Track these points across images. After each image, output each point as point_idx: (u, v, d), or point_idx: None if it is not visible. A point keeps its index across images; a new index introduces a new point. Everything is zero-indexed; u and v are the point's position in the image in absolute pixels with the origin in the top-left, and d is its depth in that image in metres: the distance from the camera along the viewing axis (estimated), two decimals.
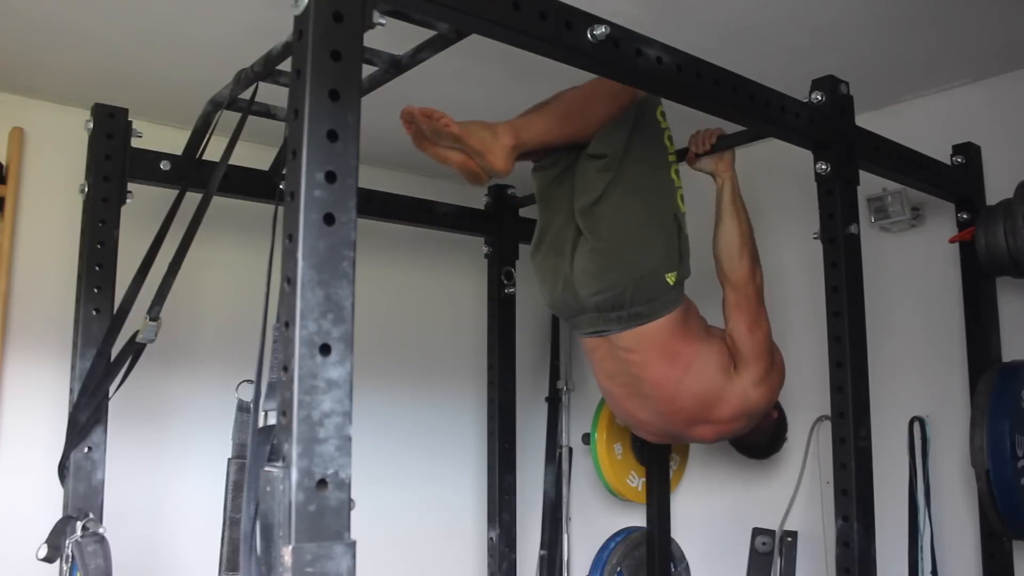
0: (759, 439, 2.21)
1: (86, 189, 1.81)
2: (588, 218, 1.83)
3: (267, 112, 1.79)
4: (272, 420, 1.00)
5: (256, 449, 1.02)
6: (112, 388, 1.68)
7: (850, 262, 1.69)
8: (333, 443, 0.93)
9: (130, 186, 1.87)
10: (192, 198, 1.62)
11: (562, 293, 1.91)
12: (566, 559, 2.93)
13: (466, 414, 3.03)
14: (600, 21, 1.33)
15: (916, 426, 2.19)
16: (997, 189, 2.08)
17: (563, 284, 1.90)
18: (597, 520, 2.94)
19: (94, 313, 1.75)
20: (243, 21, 1.89)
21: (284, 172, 1.04)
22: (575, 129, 1.76)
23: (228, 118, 1.69)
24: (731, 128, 1.95)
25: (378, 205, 2.35)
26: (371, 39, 1.11)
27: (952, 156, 2.13)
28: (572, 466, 3.02)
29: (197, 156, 1.86)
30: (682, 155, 2.13)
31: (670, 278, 1.84)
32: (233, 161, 1.60)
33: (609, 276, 1.83)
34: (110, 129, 1.83)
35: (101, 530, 1.62)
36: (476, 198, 2.69)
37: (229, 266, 2.55)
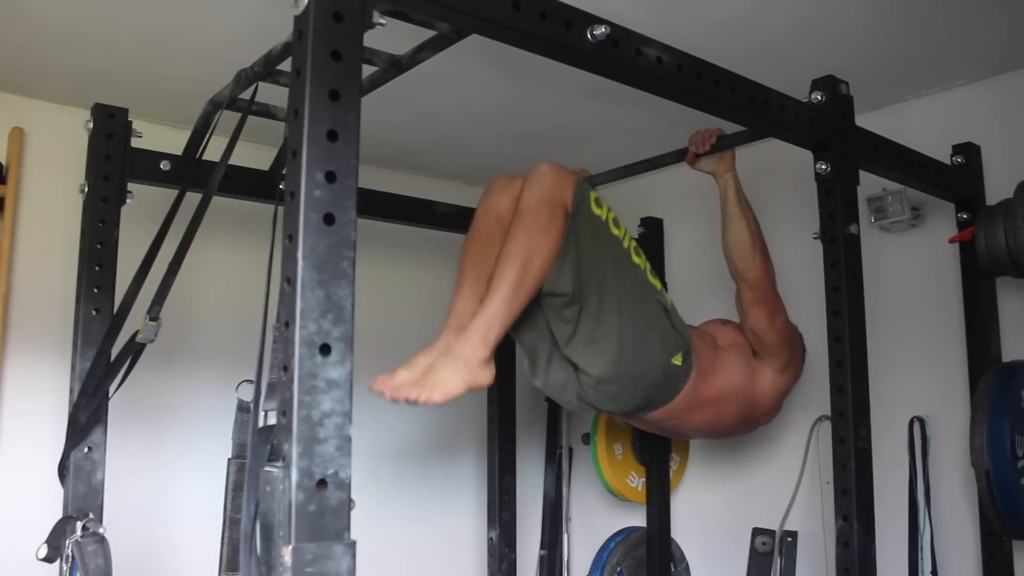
0: None
1: (86, 189, 1.81)
2: (577, 354, 1.77)
3: (267, 112, 1.78)
4: (272, 420, 1.00)
5: (256, 449, 1.02)
6: (112, 388, 1.68)
7: (850, 262, 1.69)
8: (333, 443, 0.93)
9: (130, 186, 1.86)
10: (192, 198, 1.62)
11: (579, 404, 1.89)
12: (566, 559, 2.93)
13: (466, 414, 3.03)
14: (600, 21, 1.33)
15: (916, 426, 2.19)
16: (997, 189, 2.07)
17: (578, 400, 1.87)
18: (597, 520, 2.94)
19: (94, 313, 1.75)
20: (243, 21, 1.89)
21: (284, 172, 1.04)
22: (529, 293, 1.63)
23: (228, 118, 1.68)
24: (731, 128, 1.95)
25: (378, 205, 2.35)
26: (371, 39, 1.11)
27: (952, 156, 2.13)
28: (572, 466, 3.02)
29: (197, 156, 1.85)
30: (682, 155, 2.13)
31: (677, 360, 1.83)
32: (233, 161, 1.60)
33: (624, 396, 1.82)
34: (110, 129, 1.83)
35: (101, 530, 1.62)
36: (476, 198, 2.68)
37: (229, 266, 2.55)
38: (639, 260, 1.82)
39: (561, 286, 1.69)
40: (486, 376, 1.56)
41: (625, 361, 1.76)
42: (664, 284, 2.83)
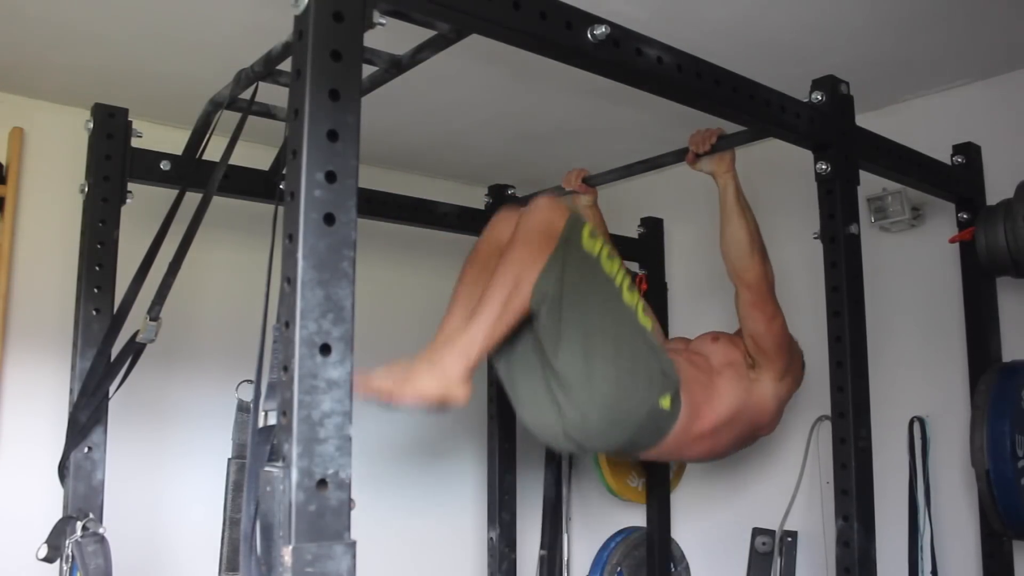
0: None
1: (86, 189, 1.81)
2: (561, 386, 1.73)
3: (267, 112, 1.78)
4: (272, 420, 1.00)
5: (256, 449, 1.02)
6: (112, 388, 1.68)
7: (850, 262, 1.69)
8: (333, 443, 0.93)
9: (130, 186, 1.86)
10: (192, 198, 1.62)
11: (566, 445, 1.87)
12: (566, 559, 2.93)
13: (466, 414, 3.03)
14: (600, 21, 1.33)
15: (916, 426, 2.19)
16: (997, 189, 2.07)
17: (564, 440, 1.83)
18: (597, 520, 2.94)
19: (94, 313, 1.75)
20: (243, 21, 1.89)
21: (284, 172, 1.04)
22: (517, 313, 1.66)
23: (228, 118, 1.69)
24: (731, 128, 1.95)
25: (378, 205, 2.35)
26: (371, 39, 1.11)
27: (952, 156, 2.13)
28: (572, 466, 3.02)
29: (197, 156, 1.86)
30: (682, 155, 2.13)
31: (664, 402, 1.79)
32: (233, 161, 1.60)
33: (610, 438, 1.80)
34: (110, 129, 1.83)
35: (101, 530, 1.62)
36: (476, 198, 2.69)
37: (229, 266, 2.55)
38: (631, 299, 1.80)
39: (541, 297, 1.69)
40: (461, 393, 1.56)
41: (609, 401, 1.73)
42: (665, 294, 2.85)
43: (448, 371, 1.54)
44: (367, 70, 1.32)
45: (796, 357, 2.07)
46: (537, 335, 1.74)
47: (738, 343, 2.02)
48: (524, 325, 1.75)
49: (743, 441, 2.05)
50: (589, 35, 1.32)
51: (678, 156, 2.14)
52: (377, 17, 1.09)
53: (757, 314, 1.95)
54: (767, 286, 1.97)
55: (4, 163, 2.24)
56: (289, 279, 0.96)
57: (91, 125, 1.83)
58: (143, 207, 1.89)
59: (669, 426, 1.83)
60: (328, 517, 0.91)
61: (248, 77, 1.58)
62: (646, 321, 1.81)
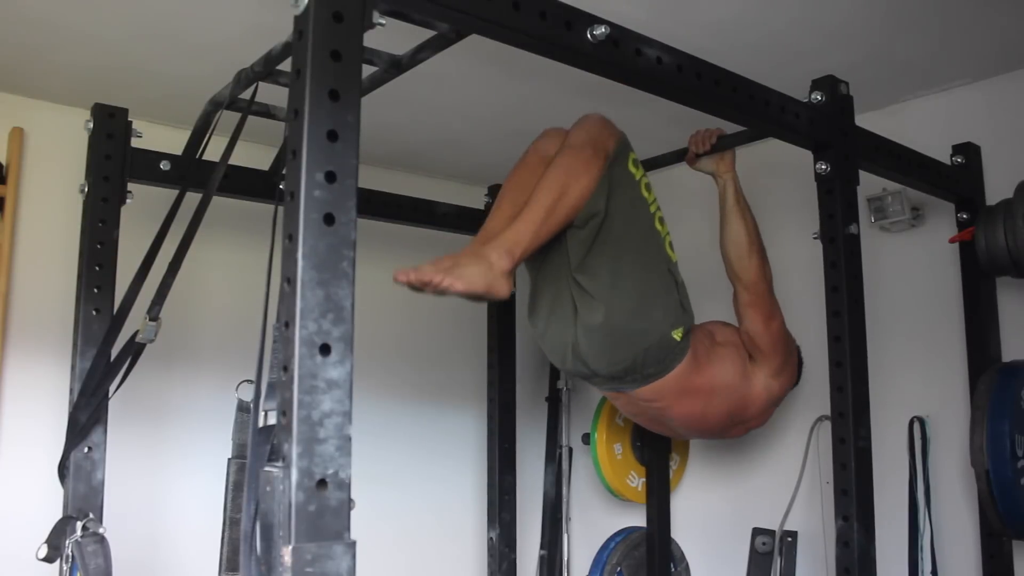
0: None
1: (86, 189, 1.81)
2: (582, 287, 1.79)
3: (267, 112, 1.78)
4: (272, 420, 1.00)
5: (256, 449, 1.02)
6: (112, 388, 1.68)
7: (850, 262, 1.69)
8: (333, 443, 0.93)
9: (130, 186, 1.87)
10: (192, 198, 1.62)
11: (572, 364, 1.89)
12: (566, 559, 2.93)
13: (466, 414, 3.03)
14: (600, 21, 1.33)
15: (916, 426, 2.19)
16: (997, 189, 2.07)
17: (572, 356, 1.87)
18: (597, 520, 2.94)
19: (94, 313, 1.75)
20: (243, 21, 1.89)
21: (284, 172, 1.04)
22: (561, 220, 1.71)
23: (228, 118, 1.69)
24: (731, 128, 1.95)
25: (378, 205, 2.36)
26: (371, 39, 1.11)
27: (952, 156, 2.13)
28: (572, 466, 3.02)
29: (197, 156, 1.86)
30: (682, 155, 2.13)
31: (676, 334, 1.83)
32: (233, 161, 1.60)
33: (618, 353, 1.81)
34: (110, 129, 1.83)
35: (101, 530, 1.62)
36: (476, 198, 2.69)
37: (229, 266, 2.55)
38: (661, 228, 1.86)
39: (588, 213, 1.74)
40: (504, 287, 1.60)
41: (626, 311, 1.78)
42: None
43: (494, 266, 1.58)
44: (367, 70, 1.32)
45: (793, 356, 2.09)
46: (566, 243, 1.79)
47: (741, 334, 2.04)
48: (559, 234, 1.79)
49: (731, 422, 2.05)
50: (589, 35, 1.32)
51: (678, 156, 2.14)
52: (377, 17, 1.09)
53: (755, 313, 1.98)
54: (765, 286, 1.99)
55: (4, 163, 2.24)
56: (289, 279, 0.96)
57: (91, 125, 1.83)
58: (143, 207, 1.89)
59: (675, 361, 1.85)
60: (328, 517, 0.91)
61: (248, 77, 1.58)
62: (672, 254, 1.87)
